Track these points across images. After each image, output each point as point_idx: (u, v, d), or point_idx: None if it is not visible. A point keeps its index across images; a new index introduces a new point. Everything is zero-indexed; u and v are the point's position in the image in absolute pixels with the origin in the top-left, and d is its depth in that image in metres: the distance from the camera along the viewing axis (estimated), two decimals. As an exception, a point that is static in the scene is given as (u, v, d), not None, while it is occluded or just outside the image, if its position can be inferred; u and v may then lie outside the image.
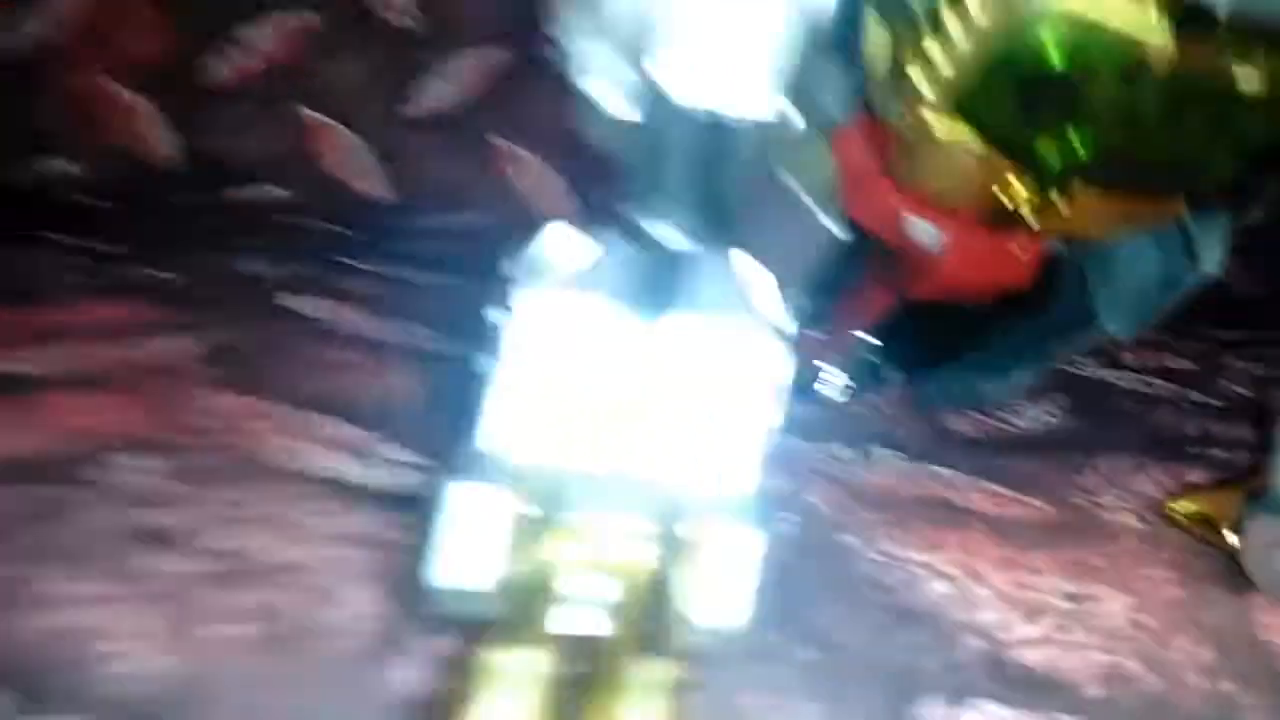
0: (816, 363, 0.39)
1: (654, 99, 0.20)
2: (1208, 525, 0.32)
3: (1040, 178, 0.24)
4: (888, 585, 0.27)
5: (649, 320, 0.19)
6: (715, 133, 0.20)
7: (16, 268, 0.48)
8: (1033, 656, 0.24)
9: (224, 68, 0.79)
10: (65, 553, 0.23)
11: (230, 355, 0.39)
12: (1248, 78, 0.22)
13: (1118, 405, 0.49)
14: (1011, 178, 0.25)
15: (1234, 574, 0.30)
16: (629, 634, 0.16)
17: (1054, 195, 0.25)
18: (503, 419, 0.18)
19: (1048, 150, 0.23)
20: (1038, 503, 0.35)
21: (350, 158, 0.76)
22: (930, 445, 0.39)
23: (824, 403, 0.41)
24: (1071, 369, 0.54)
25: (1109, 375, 0.53)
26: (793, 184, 0.26)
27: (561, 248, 0.19)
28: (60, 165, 0.74)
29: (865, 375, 0.41)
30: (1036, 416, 0.45)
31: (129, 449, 0.29)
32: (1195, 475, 0.39)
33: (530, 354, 0.18)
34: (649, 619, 0.17)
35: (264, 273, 0.54)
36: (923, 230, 0.29)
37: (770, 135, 0.27)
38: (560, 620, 0.17)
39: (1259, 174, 0.25)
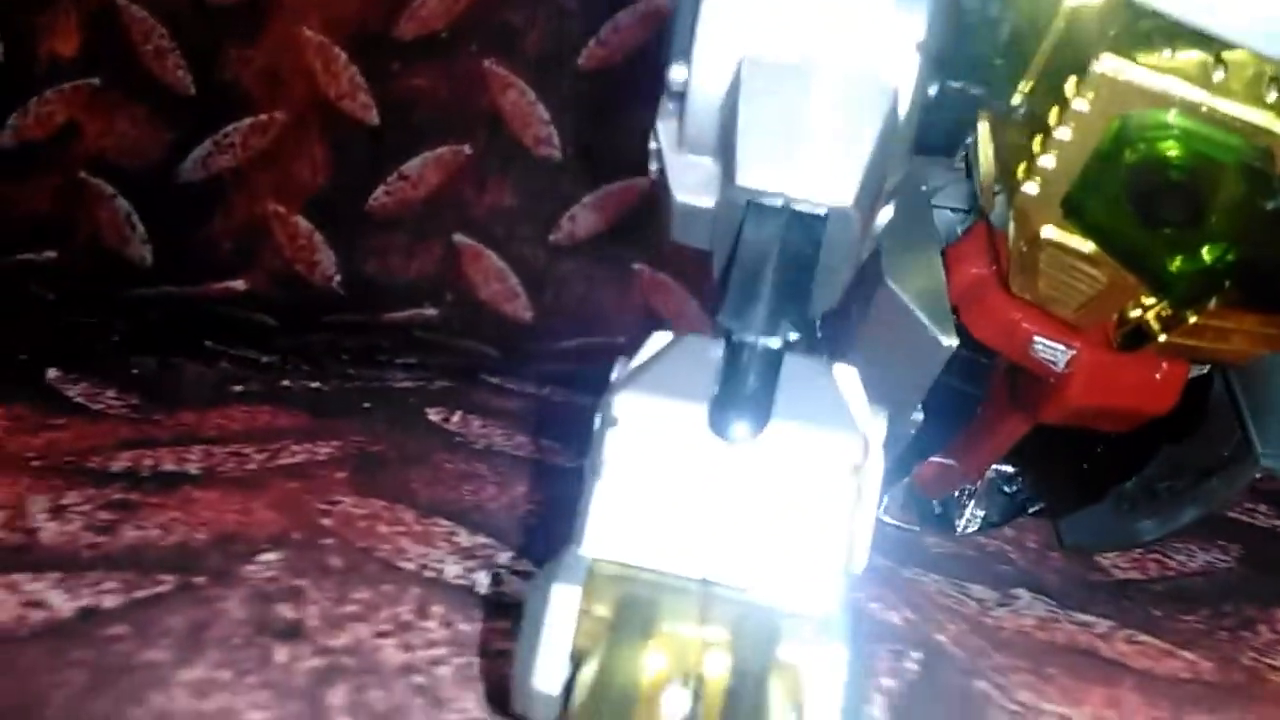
0: (947, 493, 0.38)
1: (740, 201, 0.20)
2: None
3: (1165, 291, 0.23)
4: (1023, 738, 0.25)
5: (743, 429, 0.18)
6: (803, 232, 0.20)
7: (183, 375, 0.52)
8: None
9: (384, 196, 0.84)
10: (196, 642, 0.24)
11: (370, 463, 0.41)
12: None
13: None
14: (1135, 290, 0.23)
15: None
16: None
17: (1183, 311, 0.23)
18: (598, 524, 0.18)
19: (1172, 260, 0.22)
20: (1199, 659, 0.32)
21: (498, 282, 0.80)
22: (1077, 589, 0.37)
23: (957, 537, 0.39)
24: (1243, 517, 0.50)
25: (1284, 524, 0.49)
26: (902, 294, 0.26)
27: (666, 356, 0.20)
28: (231, 284, 0.80)
29: (1003, 507, 0.39)
30: (1209, 562, 0.42)
31: (266, 546, 0.30)
32: (1386, 639, 0.35)
33: (628, 460, 0.18)
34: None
35: (412, 387, 0.56)
36: (1047, 348, 0.28)
37: (881, 244, 0.27)
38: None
39: None
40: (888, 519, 0.39)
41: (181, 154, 0.83)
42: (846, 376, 0.20)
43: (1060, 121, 0.22)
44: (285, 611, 0.26)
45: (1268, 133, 0.20)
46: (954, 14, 0.23)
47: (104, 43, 0.84)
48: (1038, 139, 0.22)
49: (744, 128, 0.20)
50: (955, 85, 0.23)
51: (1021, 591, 0.36)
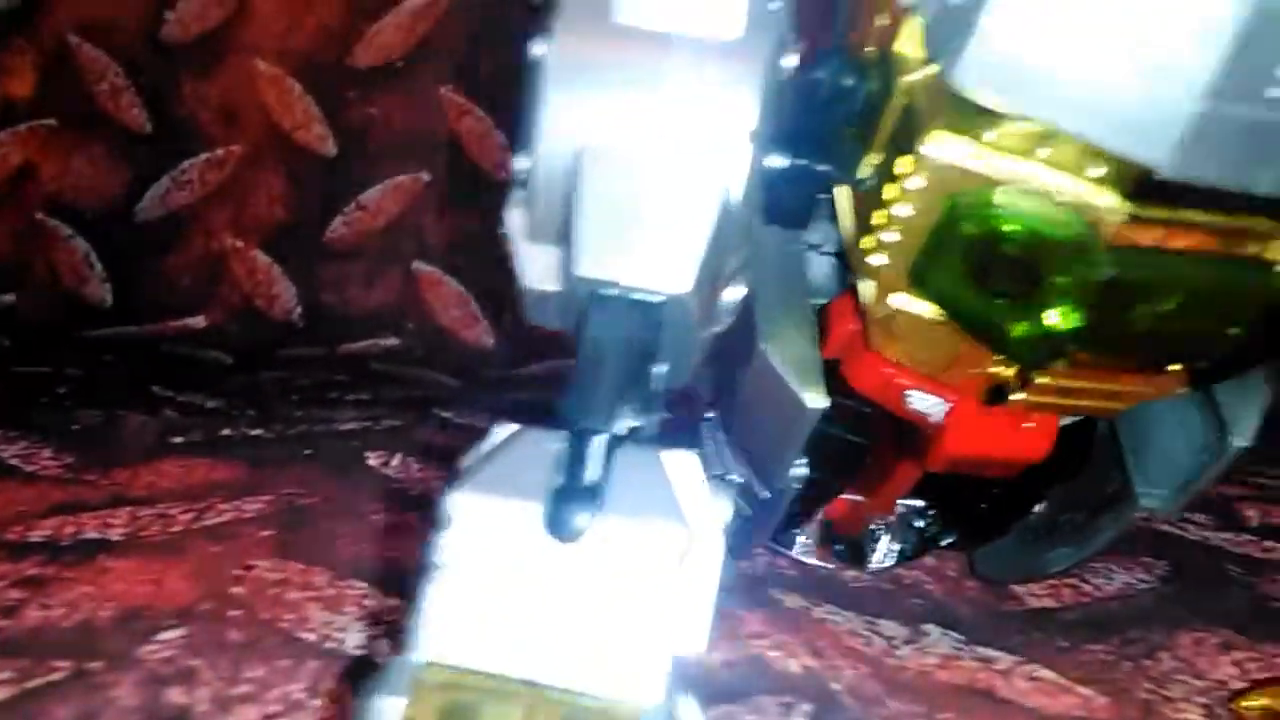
0: (860, 529, 0.38)
1: (581, 290, 0.21)
2: (1283, 727, 0.29)
3: (1010, 355, 0.24)
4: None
5: (577, 525, 0.19)
6: (642, 320, 0.21)
7: (124, 428, 0.52)
8: None
9: (342, 227, 0.85)
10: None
11: (297, 519, 0.41)
12: (1222, 243, 0.21)
13: (1221, 572, 0.45)
14: (987, 353, 0.24)
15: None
16: None
17: (1031, 373, 0.24)
18: (429, 629, 0.19)
19: (1014, 326, 0.22)
20: (1095, 695, 0.32)
21: (458, 308, 0.80)
22: (989, 621, 0.37)
23: (874, 571, 0.39)
24: (1174, 529, 0.51)
25: (1217, 537, 0.50)
26: (771, 358, 0.26)
27: (505, 451, 0.20)
28: (190, 321, 0.81)
29: (916, 540, 0.39)
30: (1128, 583, 0.42)
31: (169, 622, 0.31)
32: (1290, 661, 0.36)
33: (461, 562, 0.19)
34: None
35: (357, 428, 0.57)
36: (922, 400, 0.28)
37: (755, 304, 0.27)
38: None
39: (1266, 339, 0.23)
40: (804, 559, 0.39)
41: (139, 192, 0.83)
42: (682, 463, 0.20)
43: (898, 199, 0.22)
44: (176, 696, 0.26)
45: (1092, 207, 0.21)
46: (785, 93, 0.23)
47: (59, 83, 0.84)
48: (882, 213, 0.23)
49: (581, 218, 0.21)
50: (802, 161, 0.23)
51: (931, 627, 0.36)
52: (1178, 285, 0.21)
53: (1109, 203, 0.21)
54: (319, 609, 0.33)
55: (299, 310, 0.83)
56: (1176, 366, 0.24)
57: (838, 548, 0.39)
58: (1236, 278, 0.21)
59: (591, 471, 0.20)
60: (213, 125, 0.85)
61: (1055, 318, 0.22)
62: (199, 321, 0.82)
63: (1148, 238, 0.21)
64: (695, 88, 0.21)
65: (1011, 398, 0.25)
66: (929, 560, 0.42)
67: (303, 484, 0.45)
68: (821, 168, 0.23)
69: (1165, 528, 0.51)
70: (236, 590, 0.34)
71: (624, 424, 0.21)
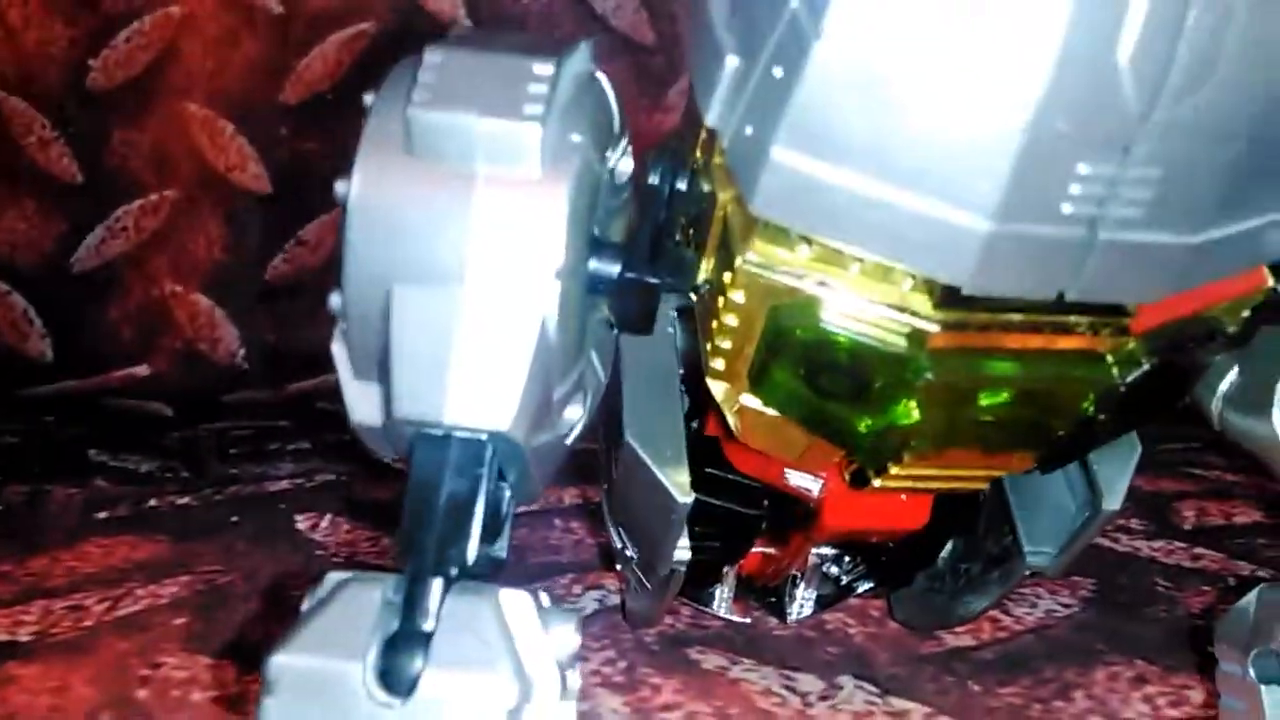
0: (776, 580, 0.38)
1: (404, 431, 0.21)
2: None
3: (854, 450, 0.24)
4: None
5: (402, 683, 0.19)
6: (469, 457, 0.21)
7: (49, 503, 0.52)
8: None
9: (282, 264, 0.84)
10: None
11: (212, 601, 0.41)
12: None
13: (1147, 589, 0.45)
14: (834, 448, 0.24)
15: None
16: None
17: (882, 462, 0.24)
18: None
19: (858, 421, 0.22)
20: (1001, 746, 0.32)
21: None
22: (906, 665, 0.37)
23: (794, 621, 0.39)
24: (1104, 540, 0.51)
25: (1149, 548, 0.50)
26: (641, 452, 0.26)
27: (329, 605, 0.20)
28: (133, 371, 0.80)
29: (833, 587, 0.39)
30: (1050, 610, 0.42)
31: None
32: (1199, 692, 0.36)
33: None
34: None
35: (289, 487, 0.56)
36: (799, 477, 0.28)
37: (625, 395, 0.27)
38: None
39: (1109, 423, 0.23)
40: (723, 614, 0.39)
41: (74, 243, 0.82)
42: (514, 604, 0.20)
43: (724, 309, 0.22)
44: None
45: (909, 315, 0.21)
46: (604, 206, 0.23)
47: (-15, 138, 0.83)
48: (715, 321, 0.23)
49: (397, 359, 0.21)
50: (631, 275, 0.23)
51: (846, 679, 0.36)
52: (1006, 383, 0.21)
53: (923, 311, 0.20)
54: (221, 712, 0.33)
55: (242, 352, 0.83)
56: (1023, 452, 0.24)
57: (766, 600, 0.39)
58: (1065, 372, 0.21)
59: (425, 617, 0.20)
60: (145, 171, 0.84)
61: (895, 413, 0.22)
62: (142, 370, 0.81)
63: (969, 340, 0.21)
64: (499, 225, 0.20)
65: (876, 483, 0.25)
66: (854, 601, 0.42)
67: (225, 557, 0.45)
68: (652, 280, 0.23)
69: (1099, 539, 0.51)
70: (141, 694, 0.34)
71: (462, 559, 0.21)
